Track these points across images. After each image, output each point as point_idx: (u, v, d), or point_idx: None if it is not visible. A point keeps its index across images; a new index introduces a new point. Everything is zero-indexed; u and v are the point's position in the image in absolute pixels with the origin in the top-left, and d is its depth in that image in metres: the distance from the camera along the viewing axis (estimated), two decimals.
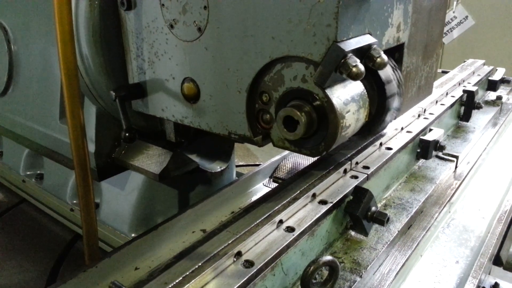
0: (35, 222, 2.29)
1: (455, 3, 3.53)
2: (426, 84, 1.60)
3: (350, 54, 1.00)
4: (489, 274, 1.47)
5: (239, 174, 2.30)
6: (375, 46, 1.09)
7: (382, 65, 1.09)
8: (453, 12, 3.58)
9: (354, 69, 0.99)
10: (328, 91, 1.05)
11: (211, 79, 1.28)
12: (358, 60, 1.01)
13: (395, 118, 1.33)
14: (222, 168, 1.99)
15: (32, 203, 2.41)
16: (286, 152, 2.10)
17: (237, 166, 2.33)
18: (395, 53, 1.34)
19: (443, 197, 1.59)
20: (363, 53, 1.07)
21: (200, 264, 0.89)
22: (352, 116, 1.11)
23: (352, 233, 1.32)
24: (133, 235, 1.93)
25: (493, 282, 1.37)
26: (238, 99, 1.23)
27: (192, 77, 1.32)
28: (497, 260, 1.48)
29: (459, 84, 2.32)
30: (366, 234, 1.27)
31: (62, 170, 2.22)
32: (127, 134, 1.48)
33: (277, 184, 1.76)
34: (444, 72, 2.83)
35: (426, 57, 1.55)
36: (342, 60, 1.00)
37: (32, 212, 2.35)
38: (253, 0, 1.10)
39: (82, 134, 1.40)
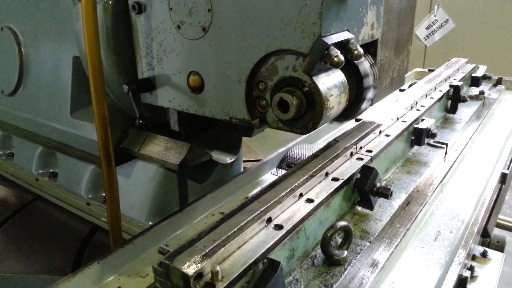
0: (51, 217, 2.38)
1: (436, 7, 3.62)
2: (398, 76, 1.83)
3: (332, 47, 1.18)
4: (478, 244, 1.65)
5: (244, 169, 2.45)
6: (352, 40, 1.28)
7: (359, 57, 1.28)
8: (434, 15, 3.66)
9: (335, 59, 1.17)
10: (314, 78, 1.23)
11: (214, 71, 1.44)
12: (339, 52, 1.19)
13: (370, 106, 1.51)
14: (231, 160, 2.15)
15: (46, 199, 2.50)
16: (288, 146, 2.27)
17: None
18: (371, 48, 1.53)
19: (436, 178, 1.78)
20: (343, 46, 1.26)
21: (240, 226, 1.04)
22: (335, 100, 1.29)
23: (359, 208, 1.48)
24: (150, 223, 2.06)
25: (482, 250, 1.55)
26: (238, 88, 1.39)
27: (197, 71, 1.48)
28: (485, 232, 1.67)
29: (446, 80, 2.52)
30: (371, 208, 1.44)
31: (76, 167, 2.34)
32: (140, 121, 1.66)
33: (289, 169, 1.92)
34: (431, 70, 3.03)
35: (398, 52, 1.77)
36: (326, 52, 1.18)
37: (48, 208, 2.45)
38: (251, 5, 1.28)
39: (106, 123, 1.55)
